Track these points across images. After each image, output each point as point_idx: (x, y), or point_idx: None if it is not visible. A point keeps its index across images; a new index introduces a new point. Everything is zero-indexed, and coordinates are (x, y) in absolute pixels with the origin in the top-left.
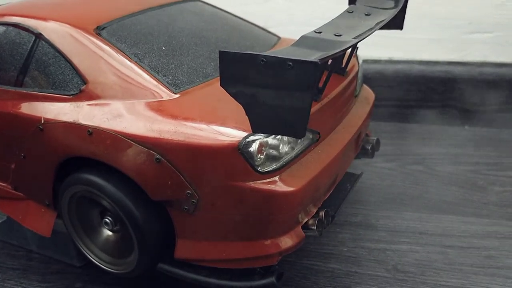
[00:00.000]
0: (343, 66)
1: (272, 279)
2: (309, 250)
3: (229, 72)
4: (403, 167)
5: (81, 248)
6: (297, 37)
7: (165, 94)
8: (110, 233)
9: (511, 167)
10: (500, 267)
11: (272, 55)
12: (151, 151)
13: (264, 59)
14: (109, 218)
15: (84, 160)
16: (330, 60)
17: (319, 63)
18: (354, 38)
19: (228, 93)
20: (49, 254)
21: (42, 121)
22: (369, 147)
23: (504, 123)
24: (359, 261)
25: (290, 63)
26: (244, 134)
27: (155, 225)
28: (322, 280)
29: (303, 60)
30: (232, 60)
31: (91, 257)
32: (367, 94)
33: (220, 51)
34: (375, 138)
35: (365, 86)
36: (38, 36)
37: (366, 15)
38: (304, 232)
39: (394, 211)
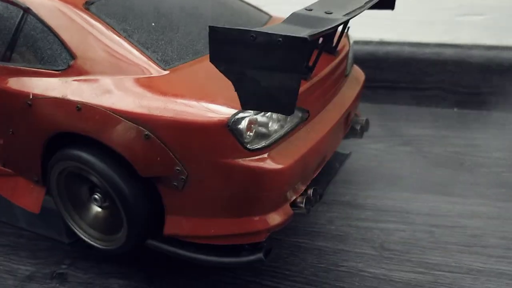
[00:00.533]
0: (334, 45)
1: (260, 255)
2: (297, 228)
3: (218, 48)
4: (391, 148)
5: (70, 224)
6: None
7: (155, 70)
8: (99, 209)
9: (498, 149)
10: (484, 245)
11: (262, 30)
12: (140, 127)
13: (254, 35)
14: (98, 194)
15: (72, 136)
16: (321, 39)
17: (309, 39)
18: (344, 15)
19: (218, 69)
20: (38, 231)
21: (31, 97)
22: (358, 127)
23: (492, 105)
24: (346, 239)
25: (280, 39)
26: (234, 111)
27: (144, 201)
28: (309, 257)
29: (292, 36)
30: (222, 36)
31: (80, 233)
32: (358, 74)
33: (210, 27)
34: (365, 118)
35: (355, 66)
36: (26, 10)
37: None
38: (292, 210)
39: (381, 191)
